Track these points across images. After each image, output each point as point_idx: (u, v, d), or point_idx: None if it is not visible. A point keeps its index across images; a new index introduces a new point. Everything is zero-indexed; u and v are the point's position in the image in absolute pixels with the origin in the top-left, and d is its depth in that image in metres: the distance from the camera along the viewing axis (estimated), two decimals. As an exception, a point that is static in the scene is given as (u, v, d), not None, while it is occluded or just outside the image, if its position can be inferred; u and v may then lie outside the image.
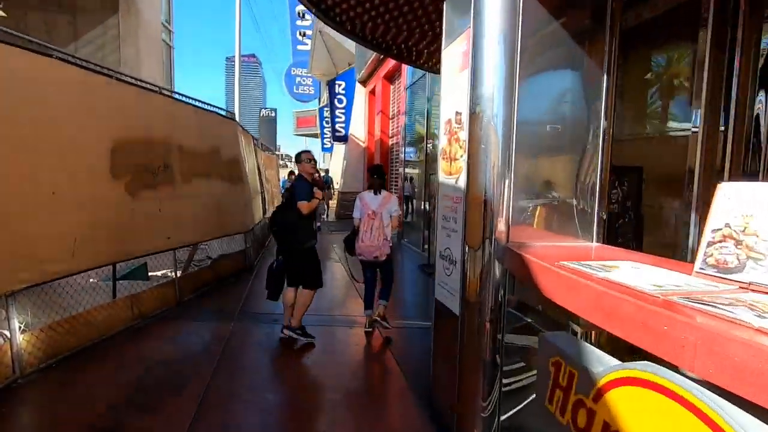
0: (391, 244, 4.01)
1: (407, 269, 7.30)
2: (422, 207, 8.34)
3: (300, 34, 24.03)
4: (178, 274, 4.90)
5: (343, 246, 4.27)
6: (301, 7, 24.09)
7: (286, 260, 3.87)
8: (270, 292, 3.97)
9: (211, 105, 5.78)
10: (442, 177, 2.56)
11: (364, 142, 14.85)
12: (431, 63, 6.39)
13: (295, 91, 25.61)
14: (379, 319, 4.05)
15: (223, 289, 5.61)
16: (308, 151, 4.01)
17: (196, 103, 5.47)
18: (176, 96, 5.00)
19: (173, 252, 4.78)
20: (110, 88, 3.86)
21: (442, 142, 2.54)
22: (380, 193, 4.03)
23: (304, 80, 25.34)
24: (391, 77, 12.12)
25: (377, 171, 4.15)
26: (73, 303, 3.59)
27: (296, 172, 11.41)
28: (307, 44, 22.72)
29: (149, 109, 4.40)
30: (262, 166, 9.72)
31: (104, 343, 3.67)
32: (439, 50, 5.69)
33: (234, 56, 14.78)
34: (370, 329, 4.06)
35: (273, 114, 32.55)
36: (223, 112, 6.27)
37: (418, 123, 9.25)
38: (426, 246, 7.93)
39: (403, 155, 10.11)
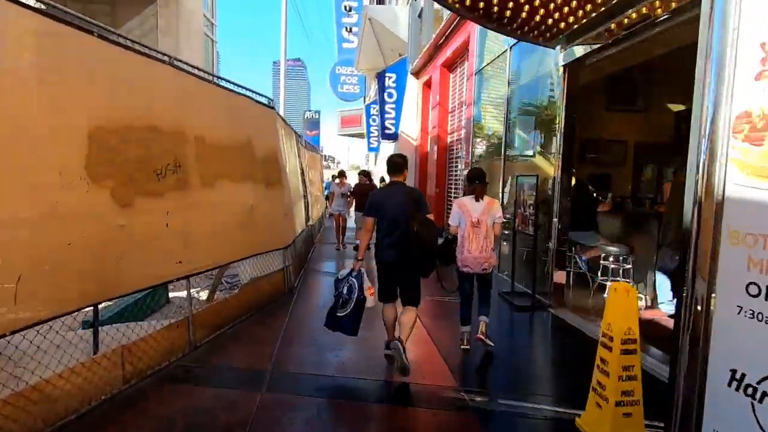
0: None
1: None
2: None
3: (346, 30, 23.59)
4: (194, 309, 3.67)
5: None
6: (347, 2, 23.17)
7: (400, 274, 3.36)
8: (351, 326, 3.28)
9: (243, 87, 4.51)
10: (739, 185, 1.05)
11: (416, 140, 13.34)
12: (526, 28, 4.81)
13: (339, 90, 25.26)
14: (483, 337, 3.66)
15: (255, 324, 4.33)
16: (405, 155, 3.52)
17: (224, 83, 4.22)
18: (195, 72, 3.74)
19: (187, 280, 3.55)
20: (90, 50, 2.63)
21: (748, 100, 1.03)
22: (483, 199, 3.70)
23: (349, 79, 25.24)
24: (452, 65, 10.55)
25: (480, 176, 3.73)
26: (27, 369, 2.40)
27: (345, 174, 10.27)
28: (353, 41, 22.05)
29: (153, 86, 3.16)
30: (305, 165, 8.50)
31: (71, 428, 2.45)
32: (546, 4, 4.13)
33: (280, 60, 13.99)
34: (468, 347, 3.73)
35: (317, 116, 32.25)
36: (260, 99, 4.97)
37: (490, 114, 7.66)
38: (506, 265, 6.33)
39: (470, 156, 8.53)
